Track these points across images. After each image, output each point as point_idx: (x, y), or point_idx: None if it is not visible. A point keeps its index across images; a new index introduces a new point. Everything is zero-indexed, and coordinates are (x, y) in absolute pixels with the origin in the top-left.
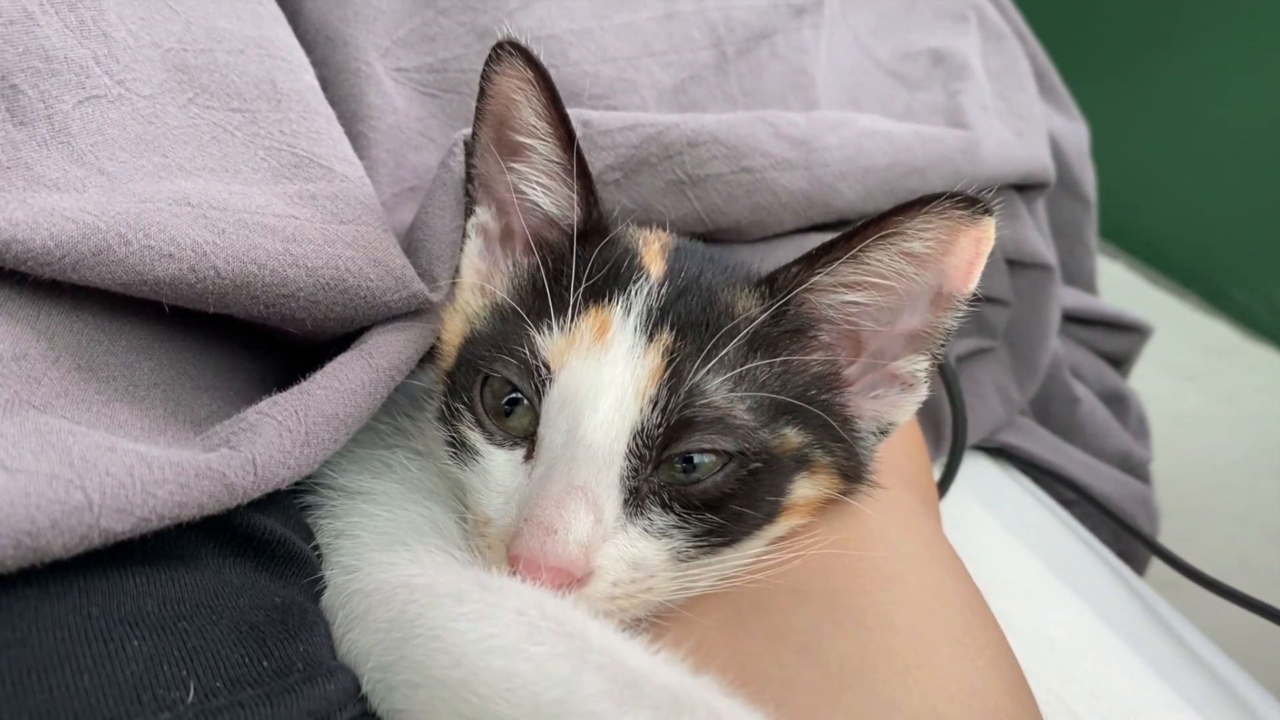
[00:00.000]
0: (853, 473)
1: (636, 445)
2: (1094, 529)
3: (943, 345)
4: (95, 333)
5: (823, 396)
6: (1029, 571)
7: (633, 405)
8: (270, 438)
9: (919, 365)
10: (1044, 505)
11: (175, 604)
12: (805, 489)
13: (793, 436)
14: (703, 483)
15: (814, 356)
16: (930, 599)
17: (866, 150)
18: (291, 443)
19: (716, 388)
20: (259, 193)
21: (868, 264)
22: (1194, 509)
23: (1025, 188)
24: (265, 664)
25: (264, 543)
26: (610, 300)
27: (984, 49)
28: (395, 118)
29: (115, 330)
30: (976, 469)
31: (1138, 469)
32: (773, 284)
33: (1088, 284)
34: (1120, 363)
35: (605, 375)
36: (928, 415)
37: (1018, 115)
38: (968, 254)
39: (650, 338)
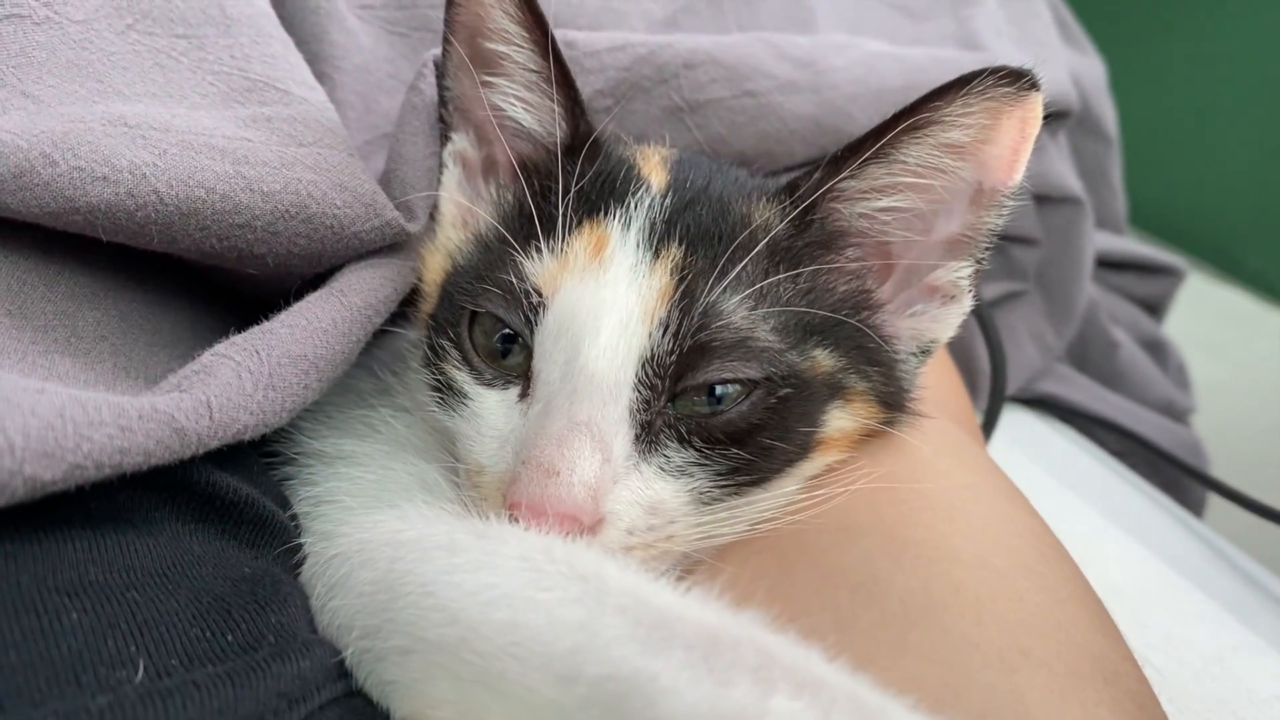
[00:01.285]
0: (893, 400)
1: (647, 374)
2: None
3: (987, 248)
4: (29, 276)
5: (856, 316)
6: (1085, 520)
7: (640, 329)
8: (227, 378)
9: (962, 273)
10: (1091, 454)
11: (124, 572)
12: (841, 419)
13: (824, 359)
14: (726, 413)
15: (843, 273)
16: (997, 528)
17: (878, 71)
18: (253, 384)
19: (735, 307)
20: (206, 116)
21: (901, 161)
22: (1231, 479)
23: (1046, 116)
24: (229, 638)
25: (229, 505)
26: (606, 214)
27: None
28: (362, 57)
29: (53, 275)
30: (1016, 421)
31: (1180, 418)
32: (793, 191)
33: (1116, 226)
34: (1153, 309)
35: (605, 297)
36: (960, 362)
37: (1034, 41)
38: (1012, 139)
39: (656, 254)
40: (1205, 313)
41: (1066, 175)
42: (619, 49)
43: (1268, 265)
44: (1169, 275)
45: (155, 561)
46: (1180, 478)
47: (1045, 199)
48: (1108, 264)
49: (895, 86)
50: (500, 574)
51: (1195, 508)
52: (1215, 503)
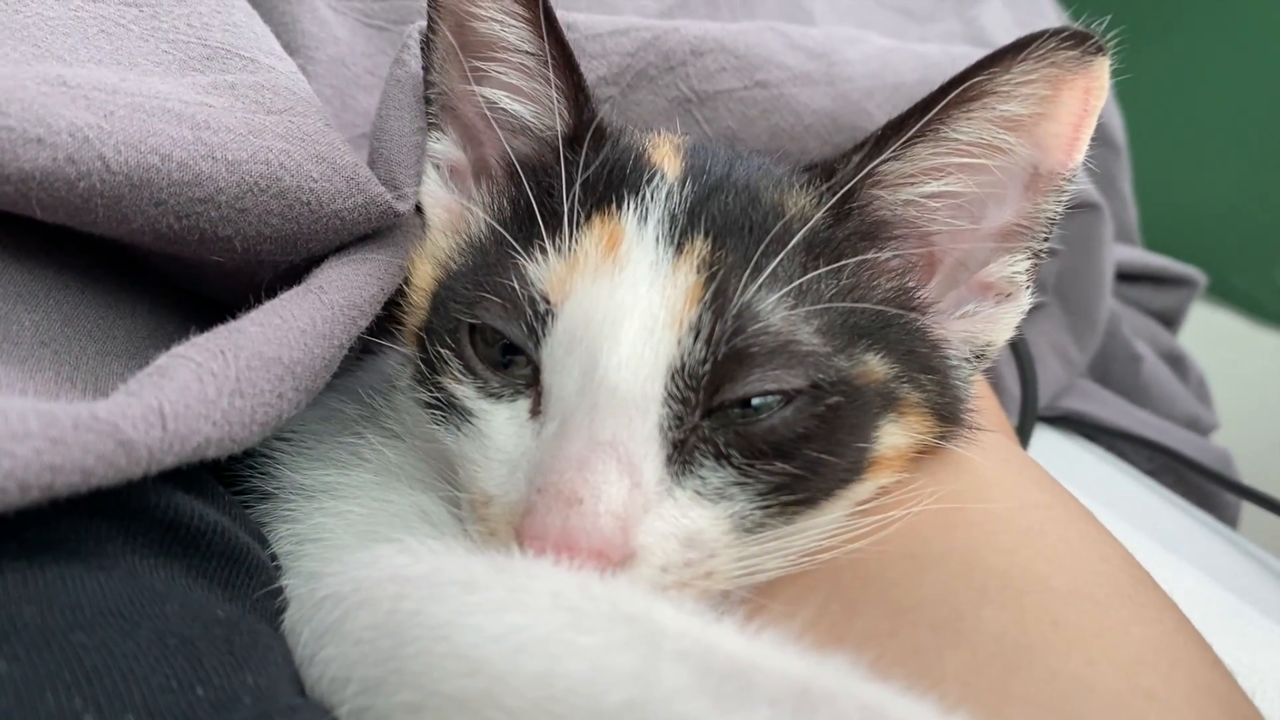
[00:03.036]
0: (948, 411)
1: (677, 386)
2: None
3: (1046, 238)
4: None
5: (904, 319)
6: (1131, 543)
7: (667, 335)
8: (185, 381)
9: (1018, 267)
10: (1125, 472)
11: (67, 611)
12: (895, 435)
13: (876, 365)
14: (767, 420)
15: (886, 269)
16: (1082, 551)
17: (893, 65)
18: (216, 390)
19: (773, 306)
20: (160, 82)
21: (952, 139)
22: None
23: None
24: (200, 692)
25: (195, 534)
26: (619, 206)
27: None
28: (337, 49)
29: None
30: (1043, 440)
31: (1205, 435)
32: (830, 176)
33: (1128, 236)
34: (1169, 321)
35: (624, 299)
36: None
37: None
38: (1074, 113)
39: (679, 249)
40: (1197, 336)
41: (1082, 180)
42: (622, 33)
43: (1256, 287)
44: (1185, 286)
45: (108, 598)
46: (1214, 492)
47: None
48: (1123, 276)
49: (912, 81)
50: (531, 614)
51: (1230, 521)
52: (1248, 515)
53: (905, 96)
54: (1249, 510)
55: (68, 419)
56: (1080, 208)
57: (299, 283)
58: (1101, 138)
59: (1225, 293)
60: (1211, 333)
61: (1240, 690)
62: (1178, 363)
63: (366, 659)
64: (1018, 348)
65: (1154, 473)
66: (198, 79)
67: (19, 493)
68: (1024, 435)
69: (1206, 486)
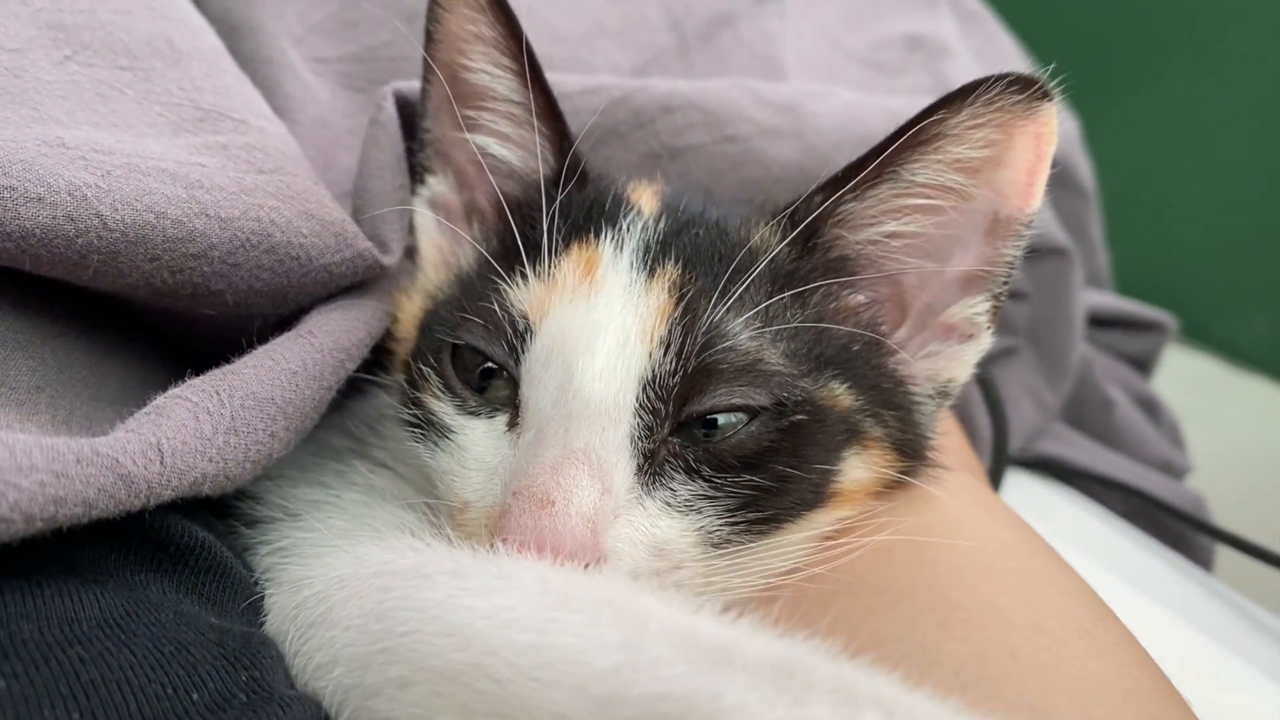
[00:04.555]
0: (910, 448)
1: (649, 398)
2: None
3: (1005, 282)
4: None
5: (869, 356)
6: (1103, 584)
7: (639, 349)
8: (182, 420)
9: (979, 309)
10: (1098, 516)
11: (65, 626)
12: (857, 469)
13: (842, 393)
14: (734, 436)
15: (852, 310)
16: (1043, 588)
17: (860, 118)
18: (212, 428)
19: (740, 328)
20: (154, 143)
21: (909, 180)
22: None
23: None
24: (194, 697)
25: (185, 551)
26: (597, 236)
27: (961, 30)
28: (319, 110)
29: None
30: (1017, 484)
31: (1178, 478)
32: (794, 215)
33: (1099, 281)
34: (1142, 366)
35: (599, 317)
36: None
37: None
38: (1027, 158)
39: (651, 273)
40: (1177, 380)
41: (1051, 226)
42: (592, 91)
43: (1236, 332)
44: (1156, 331)
45: (104, 610)
46: (1188, 536)
47: (1032, 251)
48: (1095, 321)
49: (878, 133)
50: (519, 595)
51: (1204, 564)
52: (1222, 559)
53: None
54: (1223, 554)
55: (70, 453)
56: (1051, 253)
57: (287, 328)
58: (1070, 184)
59: (1204, 337)
60: (1190, 377)
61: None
62: (1151, 407)
63: (355, 642)
64: (989, 391)
65: (1128, 515)
66: (190, 139)
67: (24, 524)
68: (996, 478)
69: (1180, 530)
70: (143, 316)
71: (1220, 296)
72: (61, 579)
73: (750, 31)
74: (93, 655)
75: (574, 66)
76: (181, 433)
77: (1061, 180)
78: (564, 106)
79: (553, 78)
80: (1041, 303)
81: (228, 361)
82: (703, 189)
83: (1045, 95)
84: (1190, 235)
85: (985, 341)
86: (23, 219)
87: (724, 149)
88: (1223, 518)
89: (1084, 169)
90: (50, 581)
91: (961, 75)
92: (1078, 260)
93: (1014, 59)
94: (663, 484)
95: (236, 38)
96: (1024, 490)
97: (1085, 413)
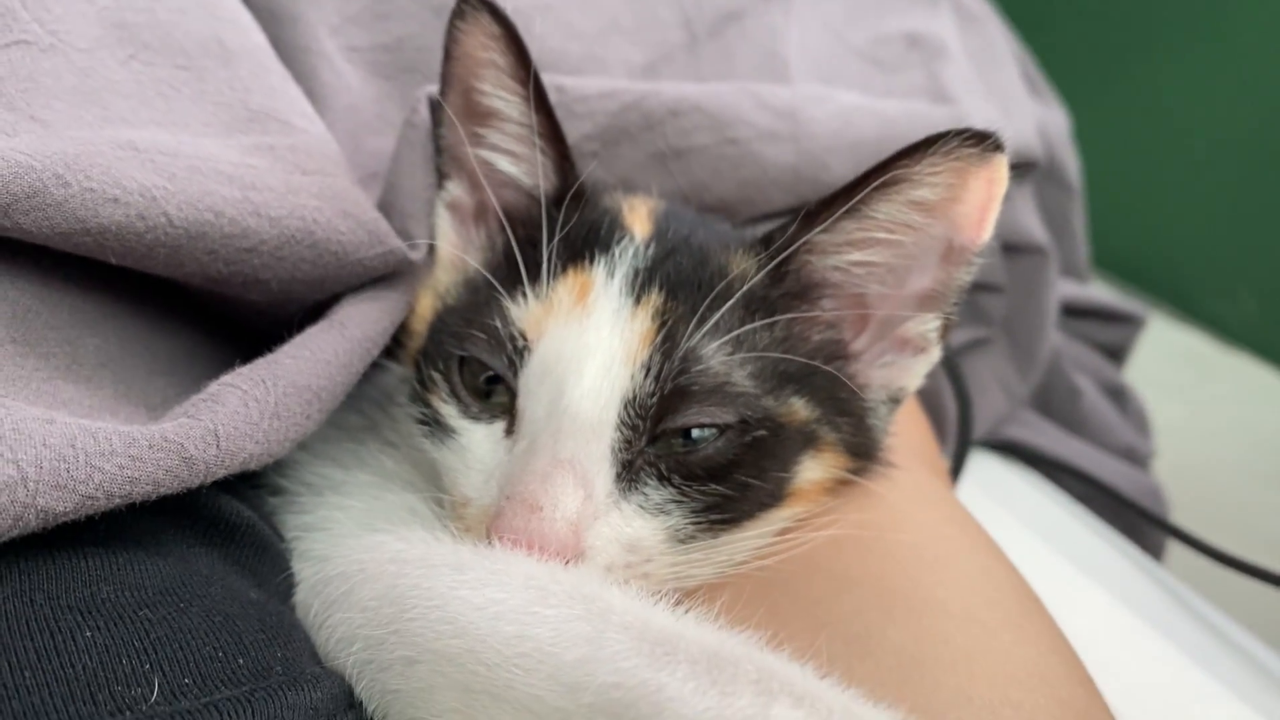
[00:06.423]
0: (862, 450)
1: (629, 415)
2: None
3: (955, 304)
4: (33, 302)
5: (830, 365)
6: (1050, 566)
7: (622, 371)
8: (235, 407)
9: (930, 326)
10: (1055, 500)
11: (135, 590)
12: (812, 470)
13: (800, 408)
14: (703, 450)
15: (818, 324)
16: (979, 581)
17: (854, 124)
18: (259, 414)
19: (713, 352)
20: (211, 144)
21: (872, 217)
22: (1190, 521)
23: (1014, 167)
24: (241, 662)
25: (232, 528)
26: (591, 261)
27: (960, 31)
28: (350, 97)
29: (55, 302)
30: (982, 466)
31: (1141, 464)
32: (769, 244)
33: (1078, 274)
34: (1115, 354)
35: (589, 340)
36: (927, 409)
37: (1000, 94)
38: (980, 199)
39: (638, 300)
40: (1165, 354)
41: (1032, 225)
42: (608, 95)
43: (1225, 308)
44: (1130, 323)
45: (165, 580)
46: (1141, 523)
47: (1012, 247)
48: (1071, 311)
49: (870, 139)
50: (507, 590)
51: (1155, 552)
52: (1174, 547)
53: (865, 152)
54: (1173, 545)
55: (144, 439)
56: (1029, 251)
57: (319, 309)
58: (1057, 180)
59: (1197, 313)
60: (1180, 352)
61: (1101, 703)
62: (1119, 395)
63: (371, 623)
64: (957, 379)
65: (1085, 499)
66: (241, 140)
67: (105, 501)
68: (959, 461)
69: (1133, 518)
70: (189, 294)
71: (1211, 273)
72: (130, 549)
73: (757, 27)
74: (158, 618)
75: (589, 62)
76: (234, 419)
77: (1050, 176)
78: (581, 108)
79: (570, 81)
80: (1017, 297)
81: (266, 346)
82: (697, 190)
83: (998, 147)
84: (1181, 215)
85: (935, 355)
86: (101, 217)
87: (725, 151)
88: (1202, 492)
89: (1072, 166)
90: (122, 551)
91: (953, 79)
92: (1054, 258)
93: (1006, 61)
94: (638, 489)
95: (277, 26)
96: (988, 471)
97: (1053, 400)
